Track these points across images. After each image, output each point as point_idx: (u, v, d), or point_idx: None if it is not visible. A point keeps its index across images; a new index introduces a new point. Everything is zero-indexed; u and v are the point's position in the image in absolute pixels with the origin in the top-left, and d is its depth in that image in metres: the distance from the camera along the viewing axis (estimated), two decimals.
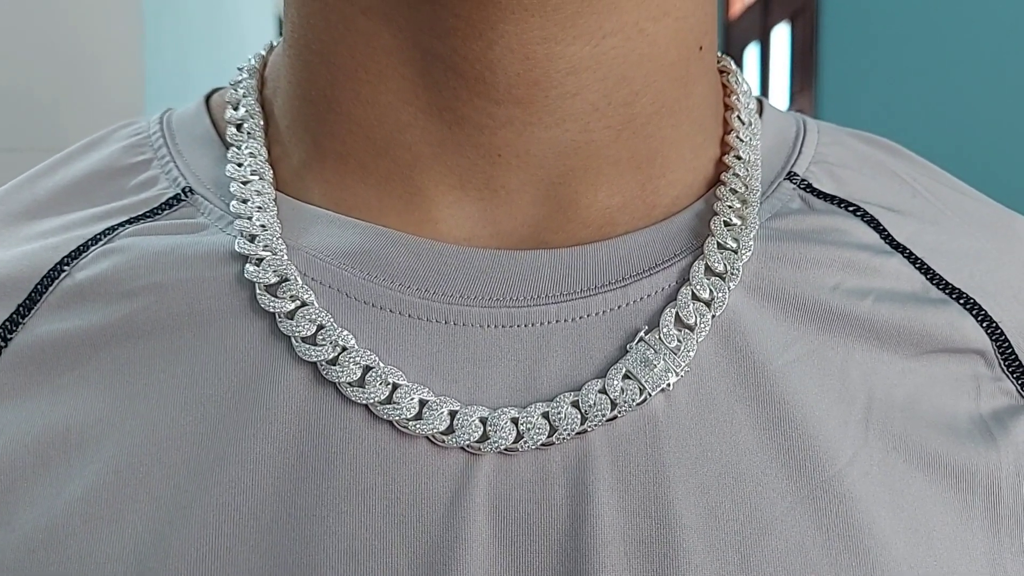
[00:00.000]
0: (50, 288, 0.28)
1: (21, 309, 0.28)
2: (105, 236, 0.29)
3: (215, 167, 0.31)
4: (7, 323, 0.28)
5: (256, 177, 0.30)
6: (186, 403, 0.26)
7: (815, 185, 0.32)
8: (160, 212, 0.30)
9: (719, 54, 0.35)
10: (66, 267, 0.28)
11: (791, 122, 0.35)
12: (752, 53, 3.29)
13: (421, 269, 0.28)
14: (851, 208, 0.32)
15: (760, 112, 0.35)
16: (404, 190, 0.29)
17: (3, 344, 0.27)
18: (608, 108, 0.28)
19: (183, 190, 0.31)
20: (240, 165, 0.30)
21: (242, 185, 0.30)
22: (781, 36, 2.95)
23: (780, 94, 2.91)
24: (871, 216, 0.32)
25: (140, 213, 0.30)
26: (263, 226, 0.28)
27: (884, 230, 0.31)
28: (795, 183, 0.32)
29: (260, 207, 0.29)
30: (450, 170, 0.28)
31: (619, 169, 0.29)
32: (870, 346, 0.29)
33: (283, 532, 0.25)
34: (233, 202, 0.29)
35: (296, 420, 0.26)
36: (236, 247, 0.28)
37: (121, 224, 0.30)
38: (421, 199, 0.29)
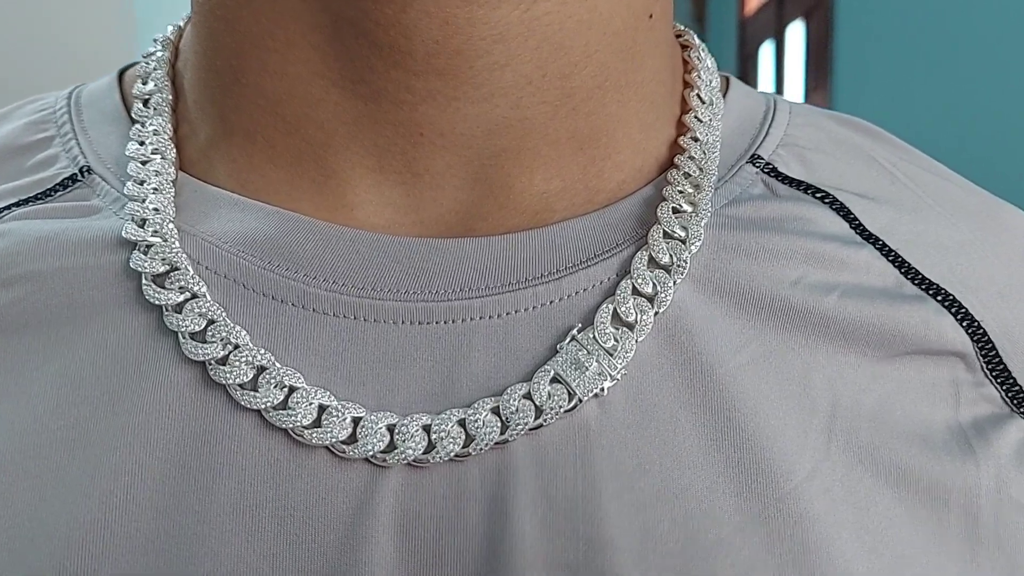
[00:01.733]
0: None
1: None
2: None
3: (120, 145, 0.28)
4: None
5: (158, 156, 0.27)
6: (57, 406, 0.23)
7: (781, 169, 0.29)
8: (52, 193, 0.27)
9: (680, 27, 0.32)
10: None
11: (760, 102, 0.32)
12: (767, 51, 3.24)
13: (330, 258, 0.25)
14: (819, 195, 0.28)
15: (726, 91, 0.31)
16: (317, 172, 0.26)
17: None
18: (543, 81, 0.25)
19: (80, 169, 0.28)
20: (143, 144, 0.27)
21: (141, 165, 0.27)
22: (796, 34, 2.91)
23: (795, 92, 2.86)
24: (841, 204, 0.28)
25: (32, 195, 0.27)
26: (156, 209, 0.26)
27: (855, 219, 0.28)
28: (758, 167, 0.29)
29: (156, 188, 0.26)
30: (367, 151, 0.26)
31: (557, 150, 0.26)
32: (835, 347, 0.26)
33: (159, 555, 0.22)
34: (129, 183, 0.26)
35: (179, 426, 0.23)
36: (123, 232, 0.25)
37: (8, 207, 0.27)
38: (336, 182, 0.26)
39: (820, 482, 0.24)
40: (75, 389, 0.24)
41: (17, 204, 0.27)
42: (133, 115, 0.28)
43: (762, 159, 0.29)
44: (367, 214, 0.26)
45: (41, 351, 0.24)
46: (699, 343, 0.25)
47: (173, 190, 0.26)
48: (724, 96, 0.31)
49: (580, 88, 0.26)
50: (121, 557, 0.22)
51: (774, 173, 0.29)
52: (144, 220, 0.25)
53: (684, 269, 0.26)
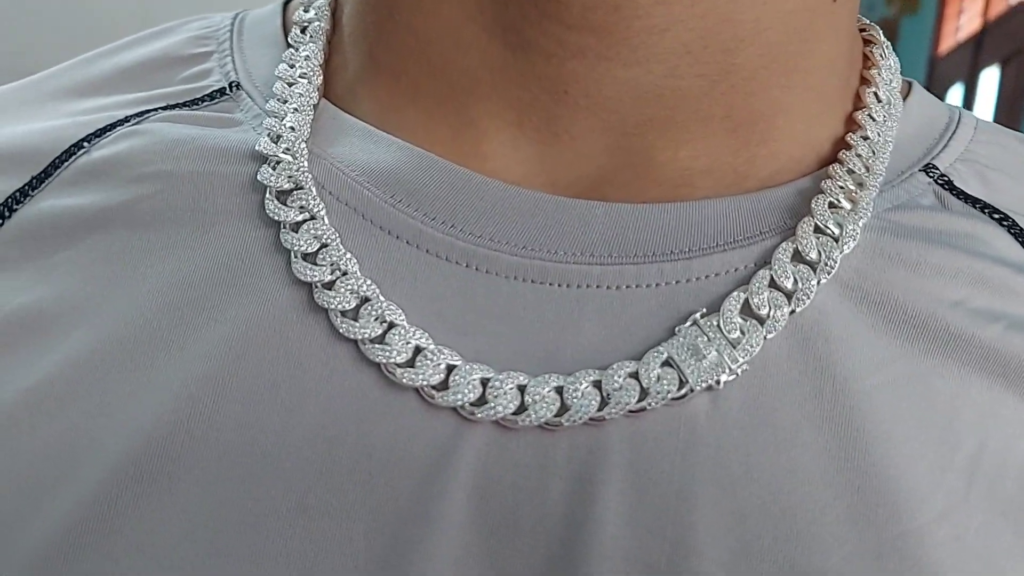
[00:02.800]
0: (66, 163, 0.26)
1: (33, 181, 0.26)
2: (136, 118, 0.27)
3: (272, 67, 0.28)
4: (17, 194, 0.26)
5: (305, 80, 0.27)
6: (163, 305, 0.23)
7: (957, 184, 0.26)
8: (199, 103, 0.27)
9: (865, 20, 0.29)
10: (86, 144, 0.26)
11: (943, 112, 0.29)
12: (956, 94, 3.07)
13: (453, 201, 0.24)
14: (997, 216, 0.25)
15: (907, 96, 0.29)
16: (456, 119, 0.25)
17: (8, 215, 0.25)
18: (704, 52, 0.23)
19: (230, 84, 0.28)
20: (293, 67, 0.27)
21: (287, 86, 0.27)
22: (990, 80, 2.73)
23: None
24: (1021, 228, 0.25)
25: (179, 102, 0.28)
26: (292, 128, 0.25)
27: None
28: (932, 177, 0.26)
29: (297, 109, 0.26)
30: (509, 104, 0.24)
31: (709, 128, 0.24)
32: (993, 382, 0.23)
33: (233, 467, 0.22)
34: (272, 101, 0.26)
35: (275, 345, 0.23)
36: (257, 146, 0.25)
37: (155, 109, 0.27)
38: (473, 131, 0.25)
39: (950, 527, 0.22)
40: (184, 291, 0.23)
41: (165, 108, 0.27)
42: (289, 40, 0.28)
43: (937, 169, 0.26)
44: (499, 167, 0.25)
45: (160, 249, 0.24)
46: (836, 352, 0.23)
47: (312, 113, 0.26)
48: (904, 100, 0.28)
49: (743, 65, 0.24)
50: (197, 463, 0.22)
51: (948, 186, 0.26)
52: (279, 136, 0.25)
53: (832, 269, 0.23)
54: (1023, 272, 0.24)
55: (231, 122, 0.27)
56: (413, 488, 0.22)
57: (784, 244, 0.24)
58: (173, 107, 0.27)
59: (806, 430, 0.22)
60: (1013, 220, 0.25)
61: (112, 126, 0.27)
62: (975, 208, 0.26)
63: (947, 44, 3.25)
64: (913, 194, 0.26)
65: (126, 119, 0.27)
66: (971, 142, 0.27)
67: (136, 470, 0.22)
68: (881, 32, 0.29)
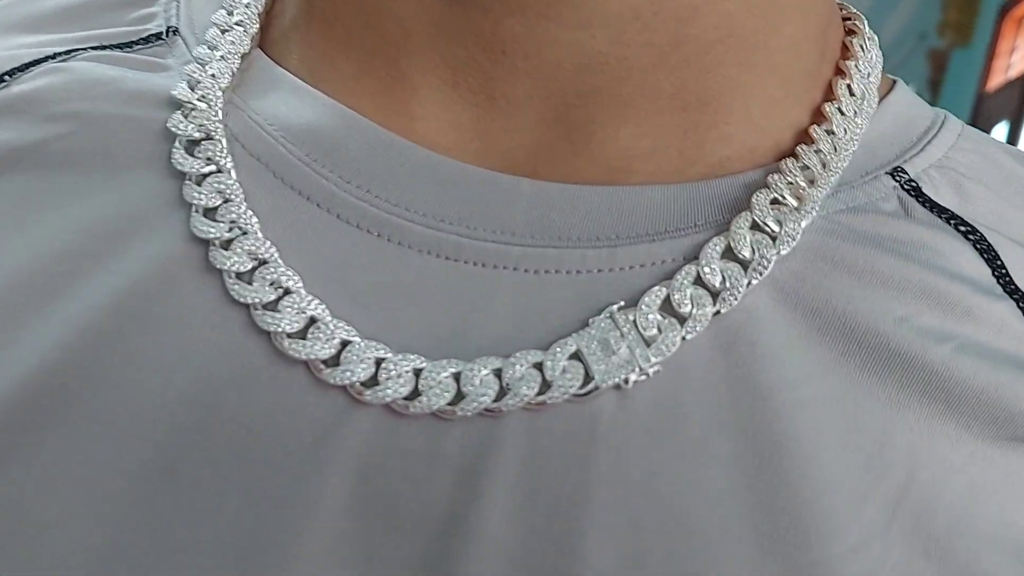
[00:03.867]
0: None
1: None
2: (64, 56, 0.26)
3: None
4: None
5: (240, 28, 0.25)
6: (60, 250, 0.22)
7: (926, 191, 0.24)
8: (133, 45, 0.26)
9: (851, 9, 0.27)
10: (8, 78, 0.25)
11: (926, 114, 0.27)
12: (1000, 131, 3.00)
13: (371, 164, 0.23)
14: (963, 228, 0.23)
15: (887, 94, 0.27)
16: (386, 73, 0.23)
17: None
18: (654, 19, 0.21)
19: (168, 29, 0.27)
20: (231, 13, 0.26)
21: (220, 33, 0.25)
22: None
23: None
24: (989, 245, 0.23)
25: (114, 43, 0.26)
26: (213, 76, 0.24)
27: (1001, 266, 0.23)
28: (899, 181, 0.24)
29: (224, 57, 0.25)
30: (444, 60, 0.23)
31: (656, 104, 0.22)
32: (933, 409, 0.21)
33: (93, 397, 0.21)
34: (201, 47, 0.25)
35: (163, 300, 0.21)
36: (173, 91, 0.24)
37: (86, 48, 0.26)
38: (403, 88, 0.23)
39: (865, 562, 0.20)
40: (83, 239, 0.22)
41: (96, 48, 0.26)
42: None
43: (905, 174, 0.24)
44: (428, 130, 0.23)
45: (67, 193, 0.23)
46: (761, 360, 0.21)
47: (239, 62, 0.25)
48: (884, 98, 0.26)
49: (697, 37, 0.22)
50: (69, 418, 0.21)
51: (916, 193, 0.24)
52: (198, 83, 0.24)
53: (765, 270, 0.22)
54: (982, 293, 0.22)
55: (160, 67, 0.25)
56: (291, 467, 0.20)
57: (716, 239, 0.22)
58: (104, 48, 0.26)
59: (718, 441, 0.20)
60: (981, 235, 0.23)
61: (37, 62, 0.26)
62: (941, 218, 0.24)
63: (996, 80, 3.19)
64: (874, 197, 0.24)
65: (53, 55, 0.26)
66: (951, 148, 0.25)
67: (6, 419, 0.21)
68: (867, 22, 0.27)
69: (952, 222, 0.23)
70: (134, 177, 0.23)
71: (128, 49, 0.26)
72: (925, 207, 0.24)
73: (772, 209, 0.22)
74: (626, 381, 0.20)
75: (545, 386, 0.20)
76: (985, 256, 0.23)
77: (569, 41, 0.22)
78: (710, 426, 0.20)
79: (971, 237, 0.23)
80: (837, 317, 0.21)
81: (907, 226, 0.23)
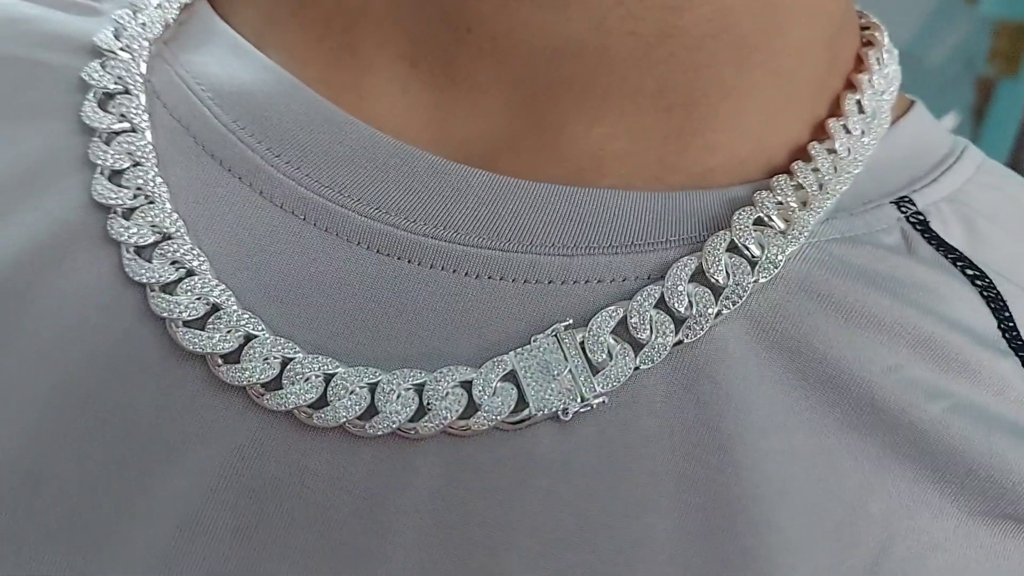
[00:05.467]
0: None
1: None
2: None
3: None
4: None
5: None
6: None
7: (934, 226, 0.21)
8: None
9: (871, 18, 0.24)
10: None
11: (944, 141, 0.24)
12: None
13: (306, 139, 0.20)
14: (971, 272, 0.20)
15: (903, 114, 0.24)
16: (339, 43, 0.21)
17: None
18: (640, 5, 0.19)
19: None
20: None
21: None
22: None
23: None
24: (998, 294, 0.20)
25: None
26: (144, 25, 0.21)
27: (1010, 319, 0.20)
28: (905, 212, 0.21)
29: (159, 6, 0.22)
30: (403, 33, 0.20)
31: (636, 102, 0.20)
32: (917, 474, 0.18)
33: None
34: None
35: (51, 267, 0.19)
36: (94, 38, 0.21)
37: None
38: (356, 61, 0.20)
39: None
40: None
41: None
42: None
43: (912, 205, 0.21)
44: (379, 109, 0.20)
45: None
46: (725, 402, 0.18)
47: (177, 12, 0.22)
48: (899, 118, 0.23)
49: (688, 30, 0.19)
50: None
51: (922, 227, 0.21)
52: (124, 30, 0.21)
53: (740, 298, 0.19)
54: (985, 347, 0.19)
55: (93, 11, 0.23)
56: (172, 476, 0.18)
57: (686, 259, 0.19)
58: None
59: (668, 493, 0.18)
60: (990, 282, 0.20)
61: None
62: (947, 259, 0.21)
63: None
64: (874, 228, 0.21)
65: None
66: (968, 182, 0.22)
67: None
68: (886, 35, 0.24)
69: (959, 264, 0.21)
70: (40, 128, 0.20)
71: None
72: (931, 244, 0.21)
73: (755, 230, 0.19)
74: (565, 412, 0.18)
75: (472, 409, 0.18)
76: (992, 306, 0.20)
77: (542, 23, 0.19)
78: (659, 474, 0.18)
79: (978, 283, 0.20)
80: (817, 360, 0.19)
81: (908, 264, 0.20)
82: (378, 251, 0.19)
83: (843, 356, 0.19)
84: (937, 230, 0.21)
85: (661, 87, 0.19)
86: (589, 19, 0.19)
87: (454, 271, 0.19)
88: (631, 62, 0.19)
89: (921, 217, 0.21)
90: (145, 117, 0.20)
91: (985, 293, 0.20)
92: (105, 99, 0.20)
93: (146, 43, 0.21)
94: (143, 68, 0.21)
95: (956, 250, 0.21)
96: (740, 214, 0.19)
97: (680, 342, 0.18)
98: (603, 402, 0.18)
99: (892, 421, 0.18)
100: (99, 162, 0.20)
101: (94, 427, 0.18)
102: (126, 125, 0.20)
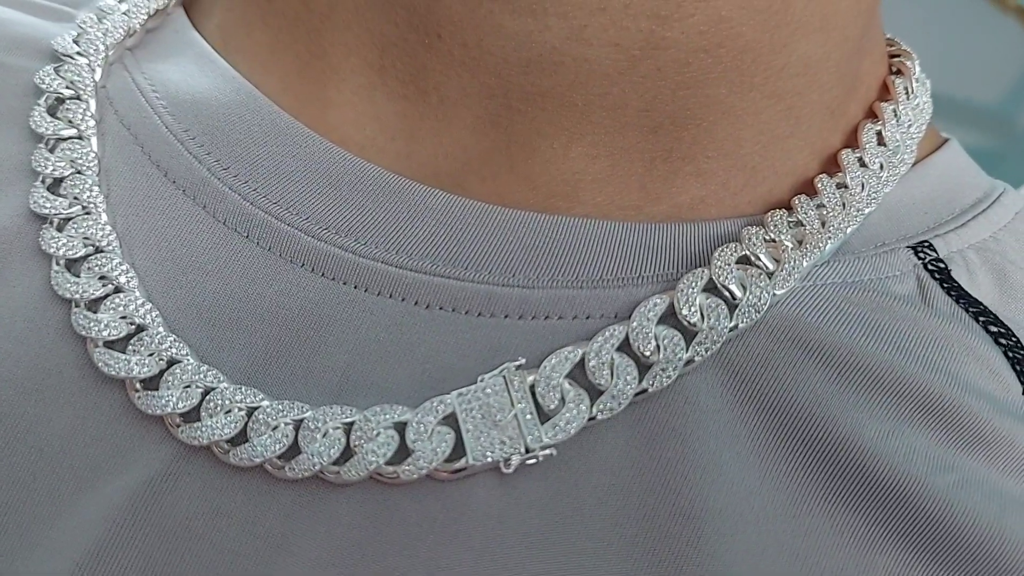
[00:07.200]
0: None
1: None
2: None
3: None
4: None
5: None
6: None
7: (957, 276, 0.19)
8: None
9: (901, 44, 0.22)
10: None
11: (978, 184, 0.21)
12: None
13: (257, 153, 0.19)
14: (995, 330, 0.18)
15: (933, 151, 0.21)
16: (304, 47, 0.19)
17: None
18: (625, 14, 0.17)
19: None
20: None
21: None
22: None
23: None
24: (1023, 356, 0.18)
25: None
26: (106, 32, 0.20)
27: None
28: (922, 259, 0.19)
29: (128, 12, 0.21)
30: (371, 38, 0.18)
31: (618, 121, 0.18)
32: (914, 557, 0.16)
33: None
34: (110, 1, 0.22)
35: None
36: (52, 42, 0.20)
37: None
38: (321, 68, 0.19)
39: None
40: None
41: None
42: None
43: (932, 252, 0.19)
44: (343, 120, 0.19)
45: None
46: (692, 461, 0.16)
47: (145, 18, 0.21)
48: (927, 156, 0.21)
49: (677, 42, 0.17)
50: None
51: (941, 276, 0.19)
52: (84, 35, 0.20)
53: (715, 345, 0.17)
54: (1004, 412, 0.17)
55: (64, 16, 0.22)
56: (73, 495, 0.16)
57: (657, 297, 0.17)
58: None
59: (617, 562, 0.15)
60: (1017, 340, 0.18)
61: None
62: (968, 312, 0.18)
63: None
64: (884, 274, 0.18)
65: None
66: (1003, 229, 0.20)
67: None
68: (918, 63, 0.22)
69: (981, 319, 0.18)
70: None
71: None
72: (950, 295, 0.18)
73: (737, 269, 0.17)
74: (507, 462, 0.16)
75: (404, 453, 0.16)
76: (1018, 368, 0.18)
77: (517, 30, 0.17)
78: (609, 540, 0.16)
79: (1003, 341, 0.18)
80: (802, 419, 0.16)
81: (920, 316, 0.18)
82: (323, 274, 0.18)
83: (833, 416, 0.16)
84: (959, 280, 0.19)
85: (647, 105, 0.17)
86: (568, 27, 0.17)
87: (402, 299, 0.17)
88: (614, 75, 0.17)
89: (941, 265, 0.19)
90: (91, 124, 0.19)
91: (1011, 354, 0.18)
92: (56, 105, 0.19)
93: (103, 48, 0.20)
94: (98, 74, 0.20)
95: (979, 303, 0.18)
96: (722, 251, 0.17)
97: (644, 391, 0.16)
98: (551, 454, 0.16)
99: (887, 494, 0.16)
100: (40, 170, 0.18)
101: (4, 445, 0.17)
102: (73, 132, 0.19)
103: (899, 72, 0.21)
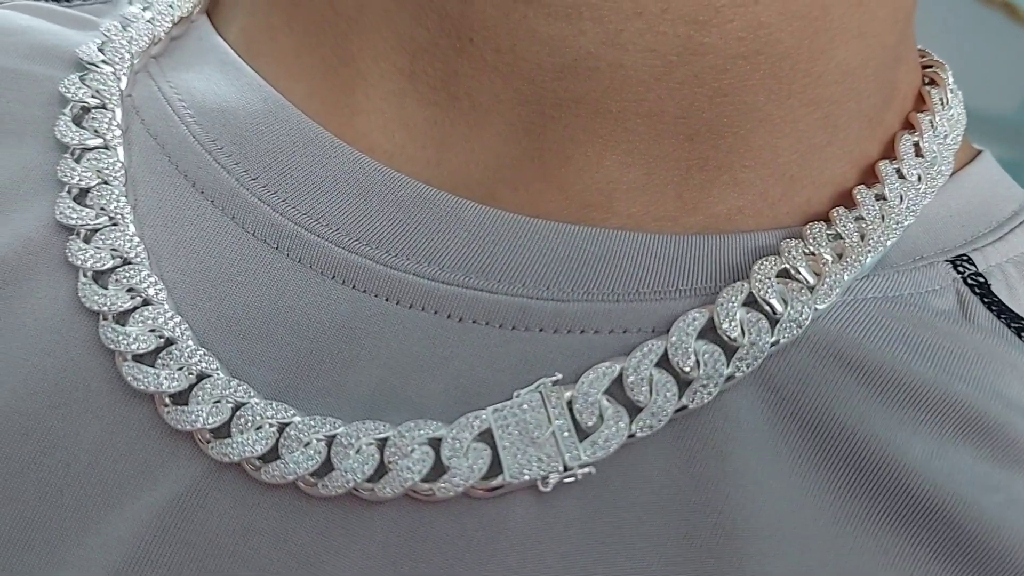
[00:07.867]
0: None
1: None
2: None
3: None
4: None
5: None
6: None
7: (996, 291, 0.18)
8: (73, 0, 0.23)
9: (934, 56, 0.22)
10: None
11: (1016, 197, 0.21)
12: None
13: (286, 163, 0.18)
14: None
15: (968, 163, 0.21)
16: (332, 52, 0.19)
17: None
18: (662, 19, 0.16)
19: None
20: None
21: None
22: None
23: None
24: None
25: None
26: (131, 40, 0.20)
27: None
28: (961, 273, 0.18)
29: (152, 19, 0.21)
30: (401, 43, 0.18)
31: (654, 128, 0.17)
32: None
33: None
34: (135, 5, 0.21)
35: (11, 289, 0.18)
36: (78, 50, 0.20)
37: None
38: (349, 73, 0.19)
39: None
40: None
41: None
42: None
43: (972, 266, 0.19)
44: (371, 127, 0.19)
45: None
46: (732, 480, 0.16)
47: (170, 26, 0.21)
48: (962, 168, 0.21)
49: (715, 48, 0.17)
50: None
51: (981, 291, 0.18)
52: (109, 44, 0.20)
53: (756, 361, 0.16)
54: None
55: (88, 24, 0.22)
56: (101, 511, 0.16)
57: (696, 312, 0.17)
58: None
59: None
60: None
61: None
62: (1010, 327, 0.18)
63: None
64: (923, 288, 0.18)
65: None
66: None
67: None
68: (951, 74, 0.21)
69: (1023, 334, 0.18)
70: (16, 142, 0.19)
71: (68, 3, 0.23)
72: (991, 310, 0.18)
73: (778, 283, 0.17)
74: (545, 480, 0.15)
75: (440, 470, 0.16)
76: None
77: (551, 35, 0.17)
78: (650, 560, 0.15)
79: None
80: (845, 438, 0.16)
81: (961, 331, 0.17)
82: (353, 286, 0.17)
83: (876, 435, 0.16)
84: (999, 294, 0.18)
85: (683, 112, 0.17)
86: (604, 32, 0.16)
87: (435, 312, 0.17)
88: (650, 82, 0.17)
89: (981, 279, 0.18)
90: (118, 133, 0.19)
91: None
92: (81, 114, 0.19)
93: (128, 56, 0.20)
94: (124, 83, 0.19)
95: (1021, 318, 0.18)
96: (762, 264, 0.17)
97: (684, 407, 0.16)
98: (589, 472, 0.16)
99: (933, 515, 0.16)
100: (66, 180, 0.18)
101: (31, 459, 0.16)
102: (99, 141, 0.19)
103: (933, 82, 0.21)
